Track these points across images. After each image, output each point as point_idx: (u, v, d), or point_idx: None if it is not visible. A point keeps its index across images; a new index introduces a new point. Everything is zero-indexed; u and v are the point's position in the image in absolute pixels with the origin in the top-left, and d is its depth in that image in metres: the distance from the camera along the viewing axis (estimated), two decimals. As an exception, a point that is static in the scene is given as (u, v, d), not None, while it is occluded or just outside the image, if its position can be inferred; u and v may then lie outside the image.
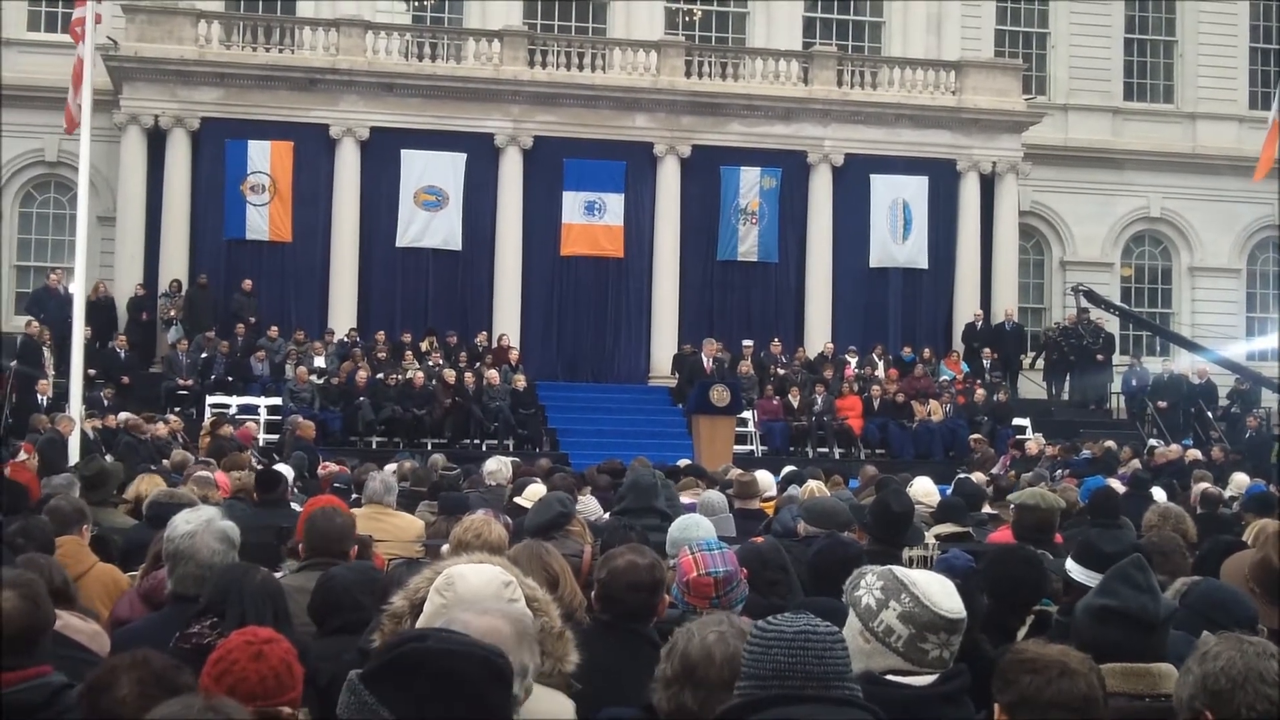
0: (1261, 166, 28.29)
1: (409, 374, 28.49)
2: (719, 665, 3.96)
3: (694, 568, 5.60)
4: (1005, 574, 6.53)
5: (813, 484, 12.71)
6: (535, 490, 11.21)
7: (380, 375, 28.41)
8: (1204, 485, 15.65)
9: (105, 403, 25.37)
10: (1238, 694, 3.59)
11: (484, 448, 26.61)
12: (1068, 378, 33.86)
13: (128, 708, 3.72)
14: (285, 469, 15.37)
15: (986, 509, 13.30)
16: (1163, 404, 31.98)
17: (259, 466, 15.84)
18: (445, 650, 3.24)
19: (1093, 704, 3.87)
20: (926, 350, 32.69)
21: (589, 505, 11.48)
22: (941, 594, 4.25)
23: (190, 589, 5.92)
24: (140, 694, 3.73)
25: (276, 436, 26.21)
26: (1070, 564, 6.13)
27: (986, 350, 32.67)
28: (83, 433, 20.91)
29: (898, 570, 4.36)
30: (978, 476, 17.69)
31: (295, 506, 11.62)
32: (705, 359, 29.93)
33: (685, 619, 4.81)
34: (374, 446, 26.79)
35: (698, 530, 7.32)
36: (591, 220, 32.14)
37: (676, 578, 5.67)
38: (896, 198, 33.43)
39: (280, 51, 31.51)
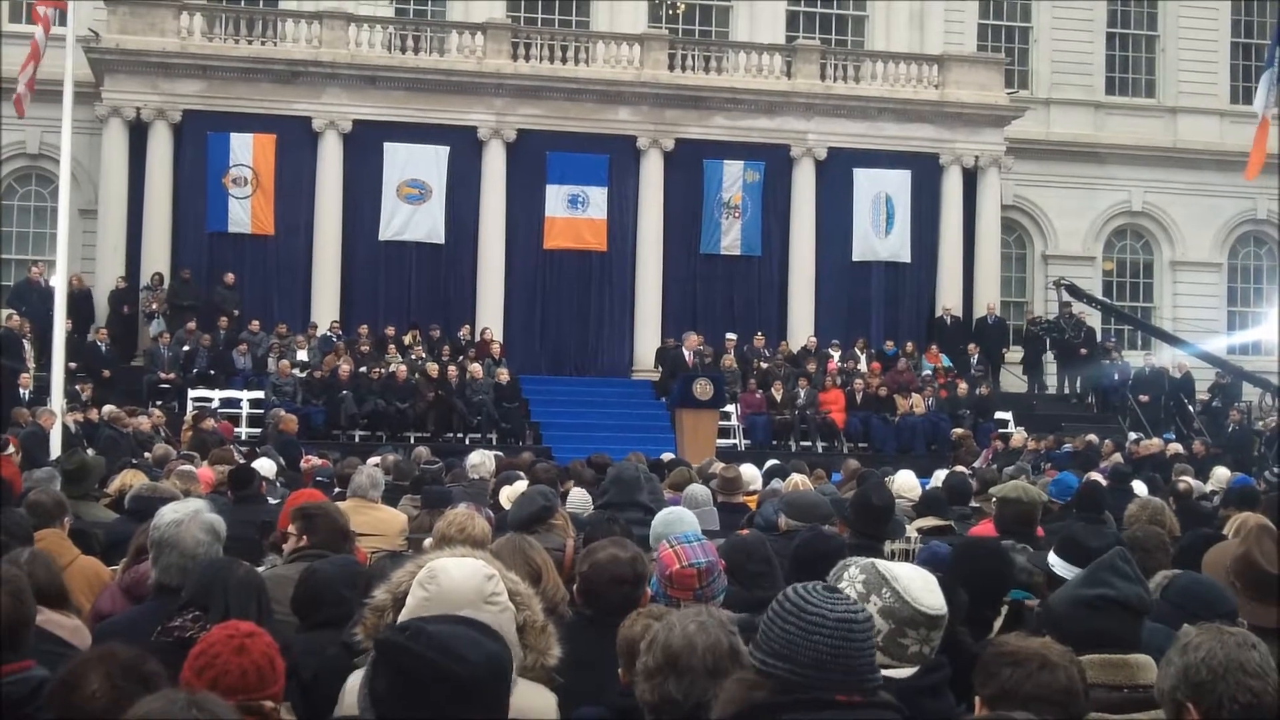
0: (1253, 165, 28.17)
1: (392, 367, 28.45)
2: (701, 654, 3.96)
3: (675, 560, 5.57)
4: (971, 566, 6.55)
5: (796, 477, 12.70)
6: (521, 487, 11.18)
7: (363, 369, 28.36)
8: (1178, 480, 15.64)
9: (83, 396, 25.23)
10: (1219, 685, 3.59)
11: (467, 441, 26.54)
12: (1054, 371, 33.97)
13: (98, 703, 3.69)
14: (267, 463, 15.35)
15: (974, 503, 13.30)
16: (1144, 398, 32.02)
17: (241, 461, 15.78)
18: (441, 647, 3.22)
19: (1073, 696, 3.89)
20: (909, 344, 32.70)
21: (580, 498, 11.50)
22: (923, 590, 4.24)
23: (173, 579, 5.91)
24: (111, 688, 3.71)
25: (259, 430, 26.14)
26: (1053, 558, 6.13)
27: (945, 348, 32.71)
28: (64, 426, 20.84)
29: (881, 564, 4.36)
30: (958, 470, 17.70)
31: (274, 501, 11.60)
32: (688, 353, 29.92)
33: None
34: (357, 440, 26.79)
35: (681, 525, 7.31)
36: (575, 214, 32.10)
37: (657, 571, 5.64)
38: (879, 191, 33.44)
39: (263, 44, 31.42)
